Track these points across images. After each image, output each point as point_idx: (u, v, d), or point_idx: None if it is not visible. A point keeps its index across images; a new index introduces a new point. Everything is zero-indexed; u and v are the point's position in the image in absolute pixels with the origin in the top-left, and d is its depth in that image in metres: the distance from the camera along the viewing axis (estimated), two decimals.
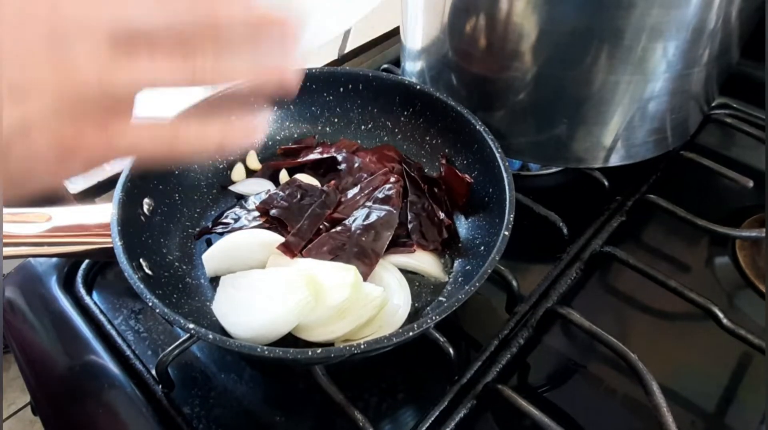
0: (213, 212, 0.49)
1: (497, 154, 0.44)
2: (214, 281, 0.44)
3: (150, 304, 0.34)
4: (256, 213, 0.47)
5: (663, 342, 0.44)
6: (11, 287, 0.49)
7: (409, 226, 0.46)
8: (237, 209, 0.48)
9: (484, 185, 0.46)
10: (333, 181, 0.49)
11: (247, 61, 0.23)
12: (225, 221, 0.48)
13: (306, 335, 0.38)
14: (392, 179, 0.48)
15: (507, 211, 0.40)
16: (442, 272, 0.45)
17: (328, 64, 0.75)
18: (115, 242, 0.37)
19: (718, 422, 0.39)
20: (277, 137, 0.55)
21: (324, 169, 0.52)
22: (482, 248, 0.43)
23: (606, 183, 0.52)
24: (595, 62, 0.42)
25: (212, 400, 0.41)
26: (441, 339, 0.38)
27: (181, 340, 0.39)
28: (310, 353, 0.32)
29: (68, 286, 0.48)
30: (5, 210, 0.38)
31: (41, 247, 0.39)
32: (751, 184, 0.51)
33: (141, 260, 0.39)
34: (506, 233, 0.38)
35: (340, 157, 0.51)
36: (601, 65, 0.43)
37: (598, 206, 0.52)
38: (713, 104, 0.61)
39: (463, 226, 0.48)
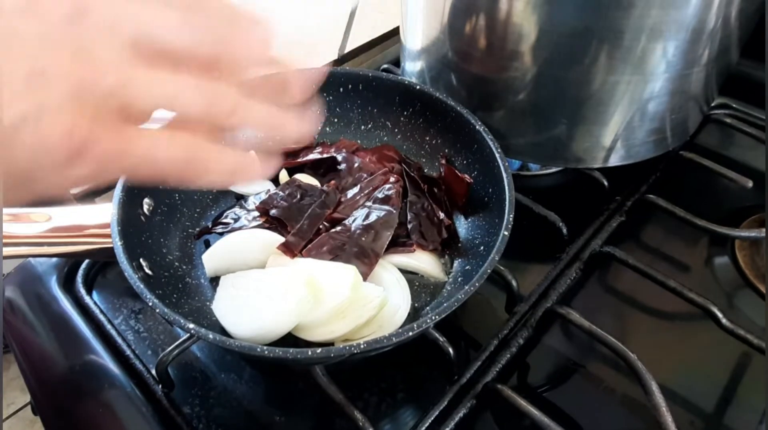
0: (213, 212, 0.49)
1: (497, 155, 0.44)
2: (214, 280, 0.44)
3: (150, 304, 0.34)
4: (256, 213, 0.47)
5: (662, 342, 0.44)
6: (11, 286, 0.49)
7: (409, 226, 0.46)
8: (237, 209, 0.48)
9: (483, 185, 0.46)
10: (333, 181, 0.49)
11: (265, 107, 0.23)
12: (225, 220, 0.48)
13: (306, 335, 0.38)
14: (392, 179, 0.48)
15: (506, 211, 0.40)
16: (442, 272, 0.45)
17: (327, 64, 0.75)
18: (115, 241, 0.37)
19: (718, 422, 0.39)
20: (277, 137, 0.55)
21: (324, 169, 0.52)
22: (482, 247, 0.43)
23: (605, 183, 0.52)
24: (594, 62, 0.42)
25: (212, 400, 0.41)
26: (441, 339, 0.38)
27: (181, 340, 0.39)
28: (310, 353, 0.32)
29: (68, 286, 0.48)
30: (5, 210, 0.38)
31: (41, 247, 0.39)
32: (750, 184, 0.51)
33: (141, 260, 0.39)
34: (506, 232, 0.38)
35: (339, 157, 0.51)
36: (601, 65, 0.43)
37: (598, 206, 0.52)
38: (713, 104, 0.61)
39: (463, 226, 0.48)
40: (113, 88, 0.20)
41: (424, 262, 0.45)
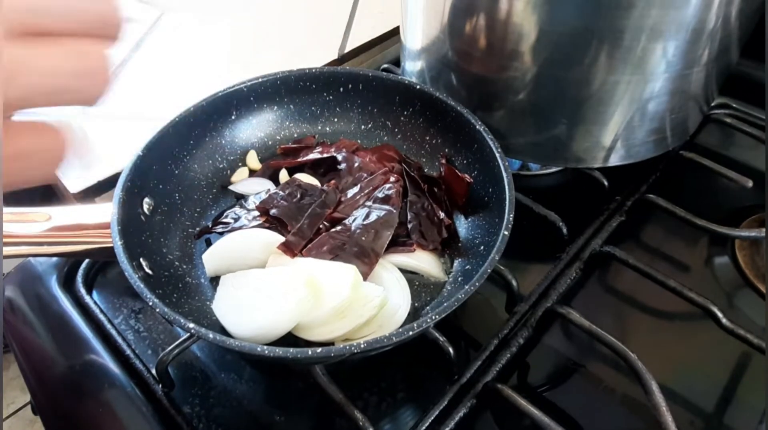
0: (213, 212, 0.49)
1: (497, 154, 0.44)
2: (214, 280, 0.44)
3: (150, 303, 0.34)
4: (256, 213, 0.47)
5: (662, 342, 0.44)
6: (11, 286, 0.49)
7: (409, 225, 0.46)
8: (237, 209, 0.48)
9: (483, 185, 0.46)
10: (333, 181, 0.50)
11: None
12: (225, 220, 0.48)
13: (306, 335, 0.38)
14: (392, 179, 0.48)
15: (507, 210, 0.40)
16: (442, 271, 0.45)
17: (328, 64, 0.75)
18: (115, 241, 0.37)
19: (717, 422, 0.39)
20: (277, 137, 0.55)
21: (324, 168, 0.52)
22: (482, 247, 0.43)
23: (605, 183, 0.52)
24: (594, 62, 0.42)
25: (212, 399, 0.41)
26: (441, 338, 0.38)
27: (181, 339, 0.39)
28: (310, 353, 0.32)
29: (68, 285, 0.48)
30: (5, 209, 0.38)
31: (41, 246, 0.39)
32: (750, 184, 0.51)
33: (141, 260, 0.39)
34: (506, 232, 0.38)
35: (340, 157, 0.51)
36: (601, 65, 0.43)
37: (598, 206, 0.52)
38: (713, 104, 0.61)
39: (463, 225, 0.48)
40: None
41: (424, 261, 0.45)
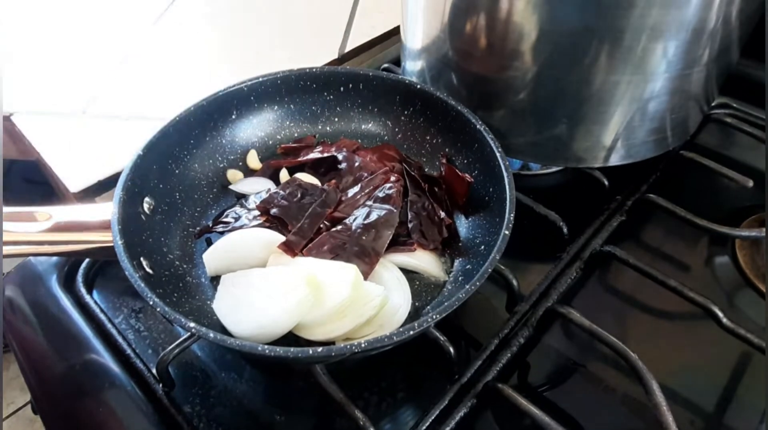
0: (213, 211, 0.49)
1: (497, 154, 0.44)
2: (215, 280, 0.44)
3: (151, 303, 0.34)
4: (257, 212, 0.47)
5: (663, 341, 0.44)
6: (11, 286, 0.49)
7: (410, 225, 0.46)
8: (237, 208, 0.48)
9: (484, 185, 0.46)
10: (333, 181, 0.50)
11: None
12: (225, 220, 0.48)
13: (306, 334, 0.38)
14: (392, 178, 0.48)
15: (507, 210, 0.40)
16: (443, 271, 0.45)
17: (328, 64, 0.75)
18: (116, 240, 0.37)
19: (718, 422, 0.39)
20: (278, 136, 0.55)
21: (324, 168, 0.52)
22: (482, 247, 0.43)
23: (606, 183, 0.52)
24: (595, 62, 0.42)
25: (212, 399, 0.41)
26: (441, 338, 0.38)
27: (181, 339, 0.39)
28: (310, 352, 0.32)
29: (68, 285, 0.48)
30: (5, 209, 0.38)
31: (41, 246, 0.39)
32: (750, 183, 0.51)
33: (141, 259, 0.39)
34: (506, 232, 0.38)
35: (340, 157, 0.51)
36: (601, 65, 0.43)
37: (598, 206, 0.52)
38: (713, 104, 0.61)
39: (464, 225, 0.48)
40: None
41: (425, 261, 0.45)
